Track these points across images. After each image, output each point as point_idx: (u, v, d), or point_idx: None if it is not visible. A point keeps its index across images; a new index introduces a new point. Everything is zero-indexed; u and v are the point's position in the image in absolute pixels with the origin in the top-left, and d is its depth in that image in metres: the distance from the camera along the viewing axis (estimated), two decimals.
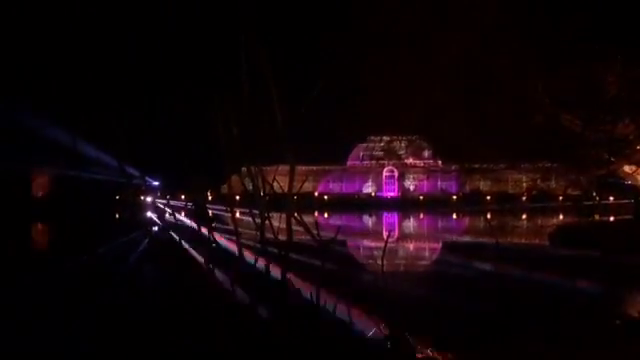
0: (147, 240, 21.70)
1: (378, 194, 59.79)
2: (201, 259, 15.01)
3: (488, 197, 50.42)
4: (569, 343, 7.61)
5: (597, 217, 30.27)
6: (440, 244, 24.77)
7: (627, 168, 18.16)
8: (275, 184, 11.81)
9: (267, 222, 11.83)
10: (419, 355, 6.58)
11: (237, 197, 18.99)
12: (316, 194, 57.51)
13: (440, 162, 47.05)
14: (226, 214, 18.04)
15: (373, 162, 61.44)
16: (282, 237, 10.94)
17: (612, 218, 29.23)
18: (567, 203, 38.02)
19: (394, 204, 54.35)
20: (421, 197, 55.58)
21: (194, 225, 20.69)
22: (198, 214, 19.90)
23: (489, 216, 38.00)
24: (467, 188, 53.67)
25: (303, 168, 40.61)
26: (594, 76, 12.23)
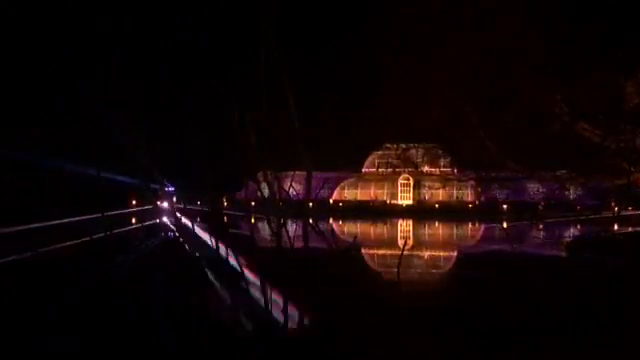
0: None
1: (393, 202, 59.52)
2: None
3: (505, 206, 49.97)
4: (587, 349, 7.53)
5: (615, 227, 29.86)
6: (455, 253, 24.59)
7: None
8: (291, 190, 11.84)
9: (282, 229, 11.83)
10: None
11: (252, 203, 19.03)
12: (331, 201, 57.43)
13: (456, 170, 46.92)
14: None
15: (389, 170, 61.27)
16: (297, 243, 10.93)
17: (630, 229, 28.77)
18: (585, 215, 37.62)
19: (409, 212, 54.02)
20: (437, 205, 55.21)
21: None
22: (213, 222, 19.91)
23: (505, 225, 37.67)
24: (483, 197, 53.36)
25: (318, 175, 40.64)
26: (614, 85, 12.10)
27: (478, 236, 36.21)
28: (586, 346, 7.89)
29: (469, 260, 21.11)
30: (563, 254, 22.47)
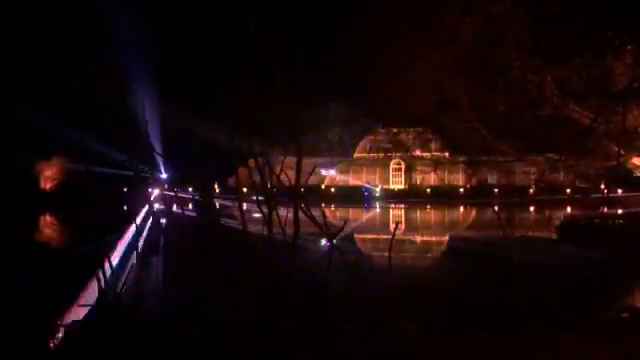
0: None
1: (385, 186, 59.65)
2: None
3: (496, 190, 50.20)
4: (573, 334, 7.59)
5: (605, 209, 30.05)
6: (445, 237, 24.78)
7: (637, 160, 17.98)
8: (282, 176, 11.82)
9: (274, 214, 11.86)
10: None
11: (244, 189, 18.99)
12: (323, 186, 57.45)
13: (447, 154, 47.09)
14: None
15: (380, 154, 61.32)
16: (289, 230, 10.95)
17: (620, 211, 29.00)
18: (576, 196, 37.91)
19: (401, 196, 54.20)
20: (428, 189, 55.40)
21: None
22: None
23: (497, 208, 37.89)
24: (474, 180, 53.54)
25: (310, 160, 40.59)
26: (604, 67, 12.10)
27: (467, 221, 36.46)
28: None
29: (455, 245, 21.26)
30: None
